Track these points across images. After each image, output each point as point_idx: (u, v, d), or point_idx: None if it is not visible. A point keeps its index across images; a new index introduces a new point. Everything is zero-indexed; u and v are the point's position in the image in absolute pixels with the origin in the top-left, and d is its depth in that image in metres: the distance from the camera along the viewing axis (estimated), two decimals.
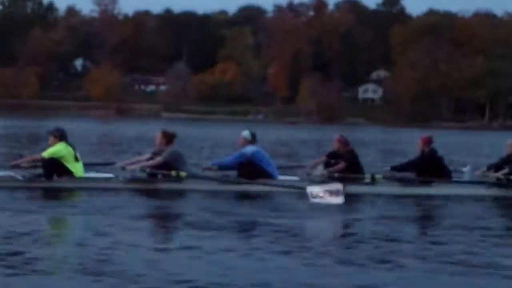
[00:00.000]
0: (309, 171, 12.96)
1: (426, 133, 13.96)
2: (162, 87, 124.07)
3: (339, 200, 10.29)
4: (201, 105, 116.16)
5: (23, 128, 44.37)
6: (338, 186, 10.54)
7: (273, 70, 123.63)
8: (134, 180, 11.75)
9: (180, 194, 11.26)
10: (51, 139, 11.69)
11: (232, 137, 34.89)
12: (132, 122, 73.58)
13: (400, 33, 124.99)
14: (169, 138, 12.05)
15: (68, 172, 11.54)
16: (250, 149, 12.34)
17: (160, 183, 11.76)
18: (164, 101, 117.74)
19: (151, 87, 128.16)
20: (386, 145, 41.16)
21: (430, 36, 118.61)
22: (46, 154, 11.50)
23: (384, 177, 12.81)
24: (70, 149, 11.63)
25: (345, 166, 12.51)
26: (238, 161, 12.26)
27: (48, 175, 11.43)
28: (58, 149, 11.54)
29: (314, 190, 10.44)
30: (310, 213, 9.86)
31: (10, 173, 11.53)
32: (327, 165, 12.87)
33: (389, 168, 13.44)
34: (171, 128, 12.67)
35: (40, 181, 11.37)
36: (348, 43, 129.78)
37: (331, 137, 13.57)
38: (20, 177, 11.37)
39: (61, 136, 11.70)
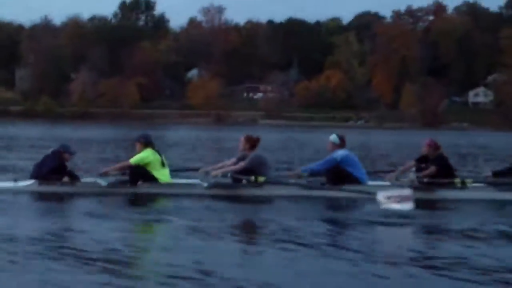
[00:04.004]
0: (398, 175, 12.57)
1: None
2: (270, 95, 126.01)
3: (408, 206, 9.96)
4: (303, 111, 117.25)
5: (123, 135, 44.85)
6: (407, 191, 10.21)
7: (378, 76, 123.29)
8: (217, 185, 11.68)
9: (262, 200, 11.12)
10: (138, 145, 11.87)
11: (318, 142, 34.66)
12: (226, 129, 74.24)
13: (510, 35, 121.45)
14: (252, 143, 12.07)
15: (153, 179, 11.63)
16: (339, 153, 12.06)
17: (243, 189, 11.58)
18: (265, 108, 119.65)
19: (259, 95, 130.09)
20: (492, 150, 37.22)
21: None
22: (132, 161, 11.65)
23: (476, 181, 12.35)
24: (156, 155, 11.75)
25: (435, 170, 12.04)
26: (328, 166, 11.99)
27: (133, 182, 11.57)
28: (145, 155, 11.66)
29: (384, 195, 10.12)
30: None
31: (96, 179, 11.74)
32: (418, 170, 12.46)
33: (490, 173, 13.07)
34: (257, 134, 12.70)
35: (124, 187, 11.55)
36: (465, 47, 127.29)
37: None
38: (104, 183, 11.58)
39: (146, 142, 11.82)
